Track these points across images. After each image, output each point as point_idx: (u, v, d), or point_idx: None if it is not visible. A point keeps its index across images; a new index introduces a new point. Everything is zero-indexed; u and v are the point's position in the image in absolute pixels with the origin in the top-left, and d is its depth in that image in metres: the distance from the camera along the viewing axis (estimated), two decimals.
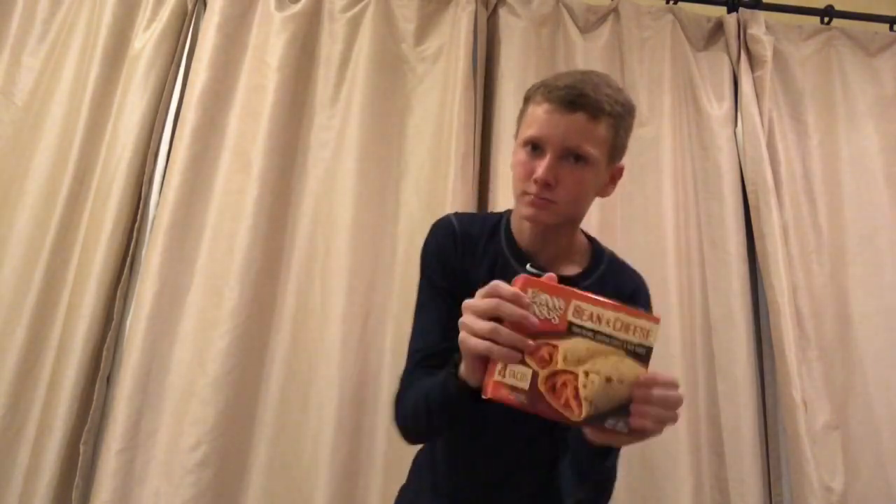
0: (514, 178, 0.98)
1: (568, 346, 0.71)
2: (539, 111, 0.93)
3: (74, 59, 1.71)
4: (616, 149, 0.96)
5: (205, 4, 1.76)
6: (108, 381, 1.53)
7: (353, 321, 1.54)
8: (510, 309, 0.70)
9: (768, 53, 1.80)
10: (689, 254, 1.71)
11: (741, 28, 1.85)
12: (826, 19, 1.94)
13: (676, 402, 0.74)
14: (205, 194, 1.60)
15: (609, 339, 0.72)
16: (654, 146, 1.75)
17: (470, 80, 1.69)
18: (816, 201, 1.79)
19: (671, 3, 1.91)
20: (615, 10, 1.85)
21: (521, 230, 1.02)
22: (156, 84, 1.67)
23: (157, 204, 1.60)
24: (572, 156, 0.92)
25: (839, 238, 1.76)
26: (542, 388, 0.70)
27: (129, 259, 1.58)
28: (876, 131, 1.85)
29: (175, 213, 1.55)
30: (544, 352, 0.70)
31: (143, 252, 1.59)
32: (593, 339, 0.71)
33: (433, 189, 1.65)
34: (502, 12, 1.81)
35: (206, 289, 1.54)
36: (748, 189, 1.73)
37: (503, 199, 1.64)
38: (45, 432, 1.43)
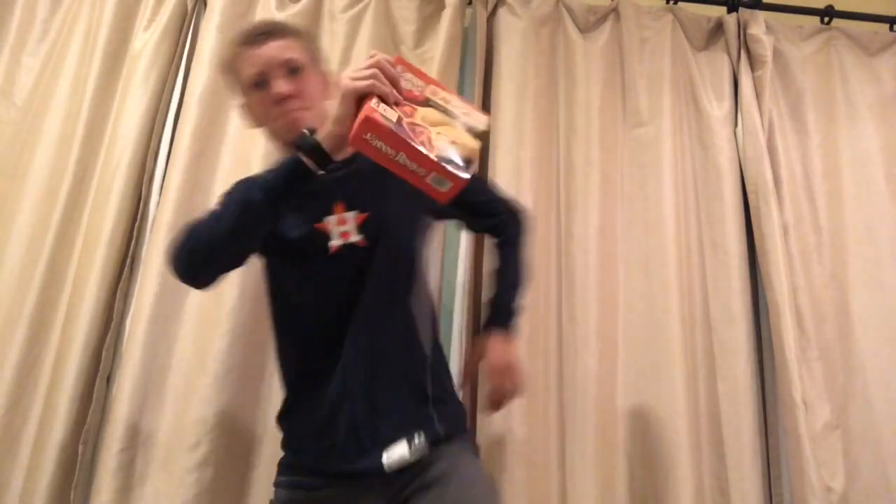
0: (262, 120, 1.11)
1: (424, 112, 0.90)
2: (242, 58, 1.10)
3: (74, 59, 1.71)
4: (316, 54, 1.17)
5: (205, 4, 1.76)
6: (108, 380, 1.52)
7: None
8: (388, 68, 0.89)
9: (768, 53, 1.80)
10: (689, 254, 1.71)
11: (741, 28, 1.85)
12: (826, 19, 1.94)
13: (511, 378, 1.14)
14: (205, 194, 1.60)
15: (454, 116, 0.91)
16: (654, 146, 1.75)
17: (469, 80, 1.69)
18: (816, 201, 1.79)
19: (671, 3, 1.91)
20: (615, 10, 1.85)
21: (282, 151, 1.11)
22: (156, 84, 1.67)
23: (158, 204, 1.60)
24: (290, 69, 1.08)
25: (839, 238, 1.76)
26: (405, 126, 0.86)
27: (129, 259, 1.58)
28: (876, 131, 1.85)
29: (175, 212, 1.55)
30: (407, 108, 0.88)
31: (143, 252, 1.59)
32: (443, 112, 0.91)
33: None
34: (502, 12, 1.81)
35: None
36: (748, 189, 1.73)
37: None
38: (45, 432, 1.43)
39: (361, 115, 0.84)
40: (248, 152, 1.62)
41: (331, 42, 1.75)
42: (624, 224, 1.71)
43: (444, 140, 0.87)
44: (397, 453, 0.99)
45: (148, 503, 1.39)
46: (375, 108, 0.84)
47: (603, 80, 1.80)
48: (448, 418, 1.07)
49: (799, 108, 1.86)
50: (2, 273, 1.54)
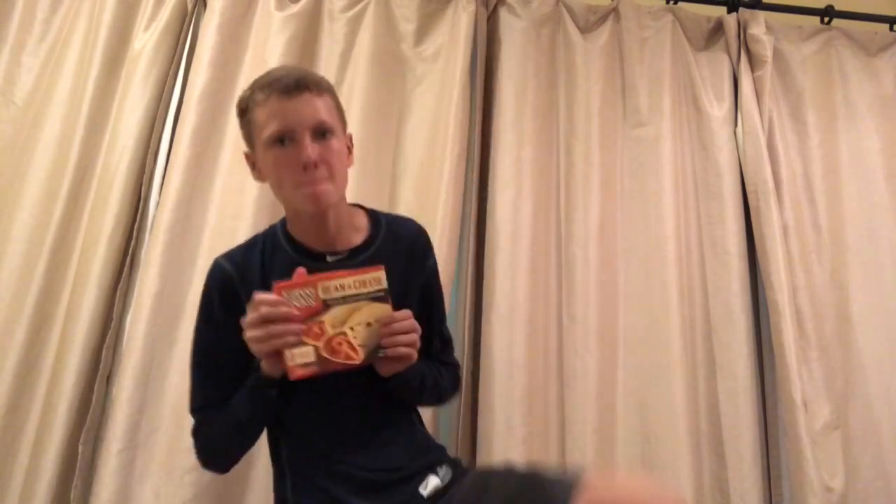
0: (276, 179, 1.01)
1: (330, 317, 0.93)
2: (268, 108, 0.99)
3: (74, 59, 1.70)
4: (343, 116, 1.07)
5: (205, 4, 1.76)
6: (108, 381, 1.52)
7: None
8: (272, 312, 0.90)
9: (768, 53, 1.80)
10: (689, 254, 1.71)
11: (741, 28, 1.85)
12: (826, 19, 1.94)
13: (411, 328, 0.97)
14: (205, 194, 1.60)
15: (356, 297, 0.94)
16: (654, 146, 1.75)
17: (468, 80, 1.69)
18: (816, 201, 1.79)
19: (671, 3, 1.91)
20: (615, 10, 1.85)
21: (299, 227, 1.07)
22: (156, 84, 1.67)
23: (158, 203, 1.60)
24: (319, 132, 0.99)
25: (839, 238, 1.76)
26: (325, 354, 0.92)
27: (129, 259, 1.58)
28: (876, 131, 1.85)
29: (175, 212, 1.55)
30: (315, 329, 0.92)
31: (143, 252, 1.59)
32: (345, 303, 0.93)
33: (431, 189, 1.65)
34: (502, 12, 1.81)
35: None
36: (748, 189, 1.73)
37: (502, 198, 1.64)
38: (45, 432, 1.43)
39: (287, 372, 0.92)
40: None
41: (331, 42, 1.75)
42: (624, 224, 1.71)
43: (361, 331, 0.94)
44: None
45: (148, 503, 1.39)
46: (293, 363, 0.91)
47: (603, 80, 1.80)
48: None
49: (799, 108, 1.86)
50: (2, 273, 1.54)
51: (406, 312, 0.98)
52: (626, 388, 1.60)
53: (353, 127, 1.66)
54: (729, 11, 1.89)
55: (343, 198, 1.07)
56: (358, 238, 1.08)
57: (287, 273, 0.95)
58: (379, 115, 1.70)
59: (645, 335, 1.62)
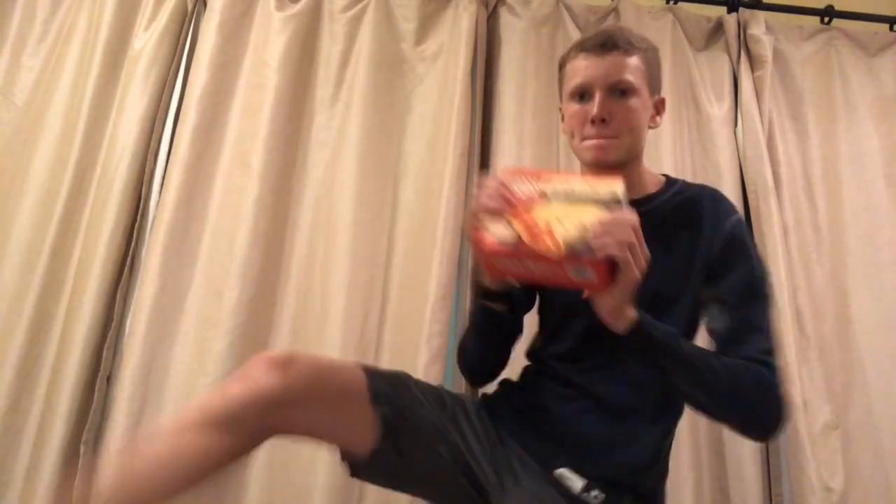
0: (569, 132, 1.05)
1: (545, 208, 0.84)
2: (577, 63, 1.02)
3: (74, 59, 1.71)
4: (653, 78, 1.05)
5: (205, 4, 1.76)
6: (108, 381, 1.52)
7: (352, 321, 1.53)
8: (492, 186, 0.87)
9: (768, 53, 1.80)
10: None
11: (741, 28, 1.85)
12: (826, 19, 1.94)
13: (627, 223, 0.81)
14: (205, 194, 1.60)
15: (582, 198, 0.84)
16: (654, 146, 1.75)
17: (469, 80, 1.69)
18: (816, 201, 1.79)
19: (671, 3, 1.91)
20: (615, 10, 1.85)
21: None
22: (156, 84, 1.67)
23: (157, 204, 1.60)
24: (618, 90, 0.99)
25: (839, 238, 1.76)
26: (523, 237, 0.82)
27: (129, 259, 1.58)
28: (876, 131, 1.85)
29: (175, 212, 1.55)
30: (525, 215, 0.84)
31: (143, 252, 1.59)
32: (568, 200, 0.84)
33: (432, 189, 1.65)
34: (502, 12, 1.81)
35: (206, 289, 1.54)
36: (748, 189, 1.73)
37: None
38: (45, 432, 1.43)
39: (481, 240, 0.86)
40: (248, 152, 1.62)
41: (331, 42, 1.75)
42: None
43: (571, 228, 0.81)
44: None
45: None
46: (493, 238, 0.84)
47: None
48: None
49: (799, 108, 1.86)
50: (2, 273, 1.54)
51: (631, 216, 0.81)
52: None
53: (353, 127, 1.67)
54: (729, 11, 1.89)
55: (635, 158, 1.06)
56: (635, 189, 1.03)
57: None
58: (379, 115, 1.70)
59: None
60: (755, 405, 0.88)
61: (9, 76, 1.70)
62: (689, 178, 1.75)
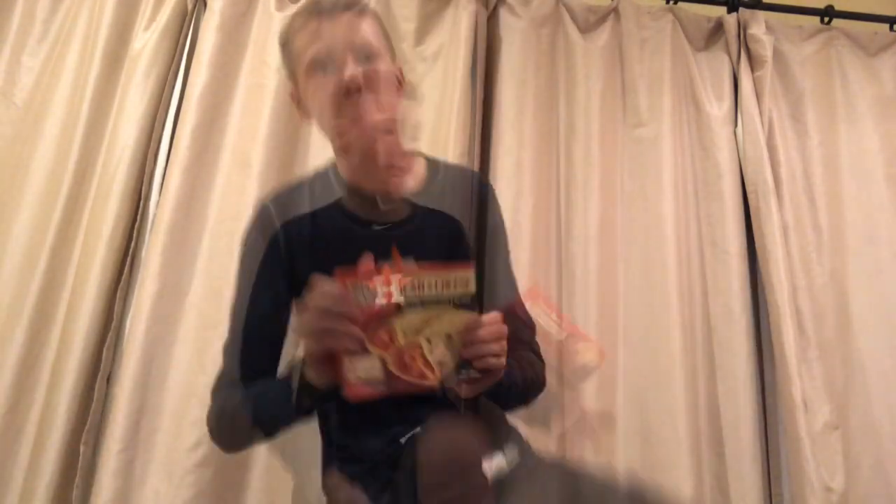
0: (318, 110, 0.90)
1: (403, 322, 0.75)
2: (307, 32, 0.88)
3: (74, 59, 1.70)
4: (391, 43, 0.94)
5: (205, 4, 1.75)
6: (108, 381, 1.52)
7: None
8: (336, 307, 0.73)
9: (768, 53, 1.80)
10: (689, 254, 1.70)
11: (741, 28, 1.85)
12: (826, 19, 1.94)
13: (500, 334, 0.77)
14: (205, 194, 1.60)
15: (437, 301, 0.76)
16: (654, 146, 1.75)
17: (469, 80, 1.69)
18: (816, 201, 1.79)
19: (671, 3, 1.91)
20: (615, 10, 1.85)
21: (347, 166, 0.95)
22: (156, 84, 1.67)
23: (157, 204, 1.60)
24: (364, 55, 0.87)
25: (839, 238, 1.76)
26: (393, 369, 0.73)
27: (129, 259, 1.58)
28: (876, 131, 1.85)
29: (175, 212, 1.55)
30: (383, 335, 0.74)
31: (143, 252, 1.58)
32: (422, 306, 0.75)
33: None
34: (502, 12, 1.81)
35: (206, 289, 1.53)
36: (748, 189, 1.73)
37: (502, 198, 1.63)
38: (45, 432, 1.43)
39: (345, 388, 0.74)
40: (248, 152, 1.62)
41: None
42: (624, 224, 1.71)
43: (439, 344, 0.76)
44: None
45: (148, 503, 1.39)
46: (355, 379, 0.73)
47: (603, 80, 1.79)
48: None
49: (799, 108, 1.86)
50: (2, 273, 1.54)
51: (494, 316, 0.79)
52: (625, 387, 1.59)
53: None
54: (729, 11, 1.89)
55: (394, 133, 0.93)
56: (410, 183, 0.96)
57: (339, 232, 0.85)
58: None
59: (645, 335, 1.62)
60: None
61: (9, 76, 1.70)
62: (690, 179, 1.77)
